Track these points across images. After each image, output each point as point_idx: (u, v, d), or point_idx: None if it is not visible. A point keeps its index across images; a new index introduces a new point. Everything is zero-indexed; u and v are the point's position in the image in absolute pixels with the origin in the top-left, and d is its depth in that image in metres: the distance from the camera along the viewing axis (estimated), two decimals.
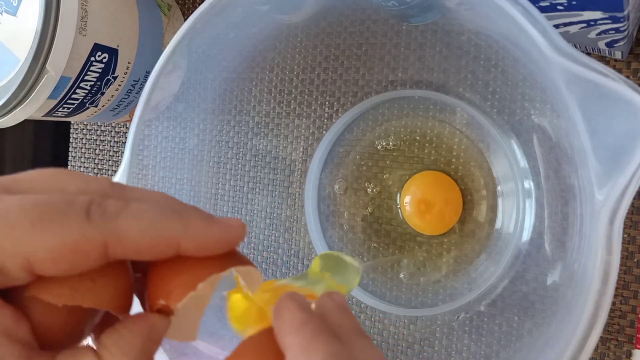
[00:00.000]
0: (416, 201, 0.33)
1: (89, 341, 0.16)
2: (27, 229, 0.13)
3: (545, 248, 0.29)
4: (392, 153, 0.35)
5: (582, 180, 0.21)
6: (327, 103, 0.35)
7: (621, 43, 0.27)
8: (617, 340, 0.31)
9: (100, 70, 0.35)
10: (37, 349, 0.14)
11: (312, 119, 0.36)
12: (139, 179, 0.29)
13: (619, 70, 0.31)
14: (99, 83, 0.35)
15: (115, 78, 0.36)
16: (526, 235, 0.31)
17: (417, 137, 0.34)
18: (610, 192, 0.17)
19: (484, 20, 0.25)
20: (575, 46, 0.30)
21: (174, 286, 0.15)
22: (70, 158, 0.53)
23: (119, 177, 0.26)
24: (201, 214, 0.16)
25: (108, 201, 0.14)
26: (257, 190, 0.36)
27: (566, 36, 0.27)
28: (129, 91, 0.38)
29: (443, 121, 0.34)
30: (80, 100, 0.36)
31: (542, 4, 0.24)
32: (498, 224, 0.32)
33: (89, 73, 0.34)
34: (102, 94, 0.37)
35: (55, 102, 0.34)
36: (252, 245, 0.36)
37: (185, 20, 0.34)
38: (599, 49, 0.29)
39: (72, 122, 0.53)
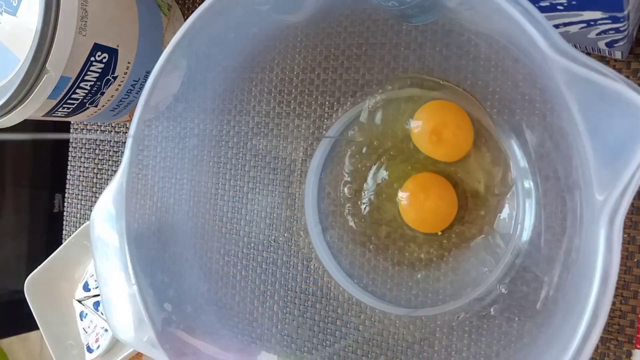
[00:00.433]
0: (430, 126, 0.32)
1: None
2: None
3: (545, 248, 0.29)
4: (392, 153, 0.35)
5: (582, 181, 0.20)
6: (327, 103, 0.35)
7: (621, 43, 0.27)
8: (617, 340, 0.31)
9: (100, 70, 0.35)
10: None
11: (312, 119, 0.36)
12: (139, 179, 0.29)
13: (619, 70, 0.31)
14: (98, 83, 0.35)
15: (115, 78, 0.36)
16: (526, 235, 0.31)
17: None
18: (611, 192, 0.17)
19: (484, 20, 0.25)
20: (575, 46, 0.30)
21: None
22: (70, 158, 0.53)
23: (119, 177, 0.26)
24: None
25: None
26: (257, 190, 0.36)
27: (566, 36, 0.27)
28: (129, 91, 0.38)
29: None
30: (80, 100, 0.36)
31: (542, 4, 0.24)
32: (497, 224, 0.32)
33: (88, 73, 0.34)
34: (102, 94, 0.37)
35: (55, 102, 0.34)
36: (252, 245, 0.36)
37: (185, 20, 0.34)
38: (599, 49, 0.29)
39: (72, 122, 0.53)
